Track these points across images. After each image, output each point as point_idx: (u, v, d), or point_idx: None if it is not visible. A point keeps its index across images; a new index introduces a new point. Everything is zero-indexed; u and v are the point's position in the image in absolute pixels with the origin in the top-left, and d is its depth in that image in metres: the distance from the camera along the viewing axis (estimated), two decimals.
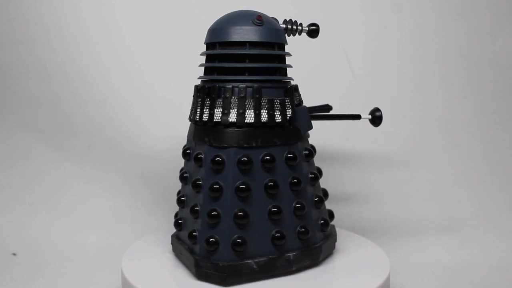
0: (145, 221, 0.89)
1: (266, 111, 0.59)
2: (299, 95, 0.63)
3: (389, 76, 0.94)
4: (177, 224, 0.64)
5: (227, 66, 0.60)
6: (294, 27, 0.65)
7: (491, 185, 0.92)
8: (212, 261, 0.57)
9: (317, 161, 0.68)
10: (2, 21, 0.93)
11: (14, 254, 0.83)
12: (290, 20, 0.66)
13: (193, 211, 0.59)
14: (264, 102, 0.59)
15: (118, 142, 0.93)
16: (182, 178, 0.63)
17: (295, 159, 0.60)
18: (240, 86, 0.58)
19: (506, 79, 0.95)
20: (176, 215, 0.66)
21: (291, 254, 0.59)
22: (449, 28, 0.94)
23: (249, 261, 0.57)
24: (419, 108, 0.94)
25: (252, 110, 0.58)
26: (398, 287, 0.73)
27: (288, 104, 0.60)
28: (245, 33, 0.59)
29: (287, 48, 0.65)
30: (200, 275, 0.58)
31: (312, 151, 0.63)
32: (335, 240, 0.66)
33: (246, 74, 0.59)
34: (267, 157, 0.58)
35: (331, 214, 0.67)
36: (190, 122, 0.64)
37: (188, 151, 0.63)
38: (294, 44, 0.68)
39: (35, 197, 0.92)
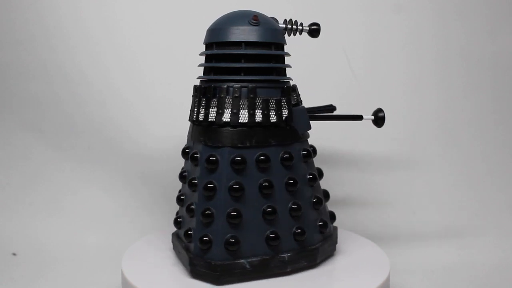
0: (145, 221, 0.89)
1: (261, 111, 0.58)
2: (298, 95, 0.63)
3: (389, 76, 0.94)
4: (176, 223, 0.64)
5: (222, 66, 0.60)
6: (294, 26, 0.65)
7: (491, 185, 0.93)
8: (205, 259, 0.57)
9: (316, 161, 0.68)
10: (2, 21, 0.93)
11: (14, 254, 0.83)
12: (290, 20, 0.66)
13: (189, 210, 0.60)
14: (259, 102, 0.59)
15: (118, 142, 0.93)
16: (182, 177, 0.64)
17: (291, 159, 0.59)
18: (234, 86, 0.58)
19: (506, 79, 0.95)
20: (177, 213, 0.66)
21: (286, 255, 0.59)
22: (449, 28, 0.94)
23: (242, 260, 0.57)
24: (419, 108, 0.94)
25: (246, 110, 0.58)
26: (398, 287, 0.73)
27: (285, 104, 0.60)
28: (241, 33, 0.59)
29: (287, 48, 0.65)
30: (194, 273, 0.58)
31: (310, 151, 0.62)
32: (336, 242, 0.65)
33: (242, 74, 0.59)
34: (262, 157, 0.58)
35: (332, 216, 0.67)
36: (190, 122, 0.64)
37: (187, 150, 0.63)
38: (294, 44, 0.68)
39: (35, 197, 0.92)
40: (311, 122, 0.63)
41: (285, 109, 0.60)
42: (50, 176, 0.93)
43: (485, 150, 0.94)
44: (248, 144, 0.58)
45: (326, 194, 0.67)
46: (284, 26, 0.65)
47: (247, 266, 0.57)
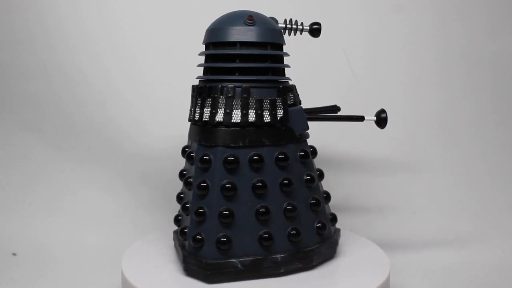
0: (145, 221, 0.89)
1: (254, 111, 0.58)
2: (295, 95, 0.63)
3: (389, 76, 0.94)
4: (176, 220, 0.65)
5: (218, 66, 0.61)
6: (294, 26, 0.65)
7: (491, 185, 0.93)
8: (197, 258, 0.58)
9: (316, 162, 0.68)
10: (2, 21, 0.93)
11: (14, 254, 0.83)
12: (290, 19, 0.66)
13: (185, 208, 0.61)
14: (252, 102, 0.59)
15: (118, 142, 0.93)
16: (181, 176, 0.65)
17: (286, 160, 0.59)
18: (228, 86, 0.59)
19: (506, 79, 0.95)
20: (178, 211, 0.67)
21: (279, 255, 0.58)
22: (449, 28, 0.94)
23: (233, 260, 0.57)
24: (419, 108, 0.94)
25: (239, 110, 0.58)
26: (398, 287, 0.73)
27: (280, 104, 0.60)
28: (236, 34, 0.59)
29: (287, 48, 0.65)
30: (187, 271, 0.59)
31: (308, 152, 0.62)
32: (336, 245, 0.65)
33: (237, 74, 0.60)
34: (255, 157, 0.58)
35: (333, 218, 0.66)
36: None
37: (186, 149, 0.64)
38: (294, 44, 0.68)
39: (35, 197, 0.92)
40: (312, 122, 0.63)
41: (280, 109, 0.60)
42: (50, 176, 0.93)
43: (485, 150, 0.94)
44: (241, 144, 0.58)
45: (327, 196, 0.66)
46: (284, 26, 0.65)
47: (239, 265, 0.57)
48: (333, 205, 0.68)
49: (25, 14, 0.92)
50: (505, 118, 0.95)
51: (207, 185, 0.58)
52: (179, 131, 0.75)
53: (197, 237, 0.58)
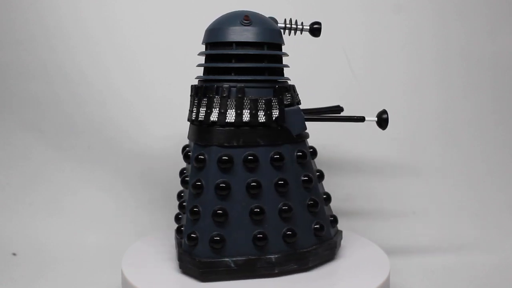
0: (145, 221, 0.89)
1: (249, 111, 0.59)
2: (293, 95, 0.62)
3: (389, 76, 0.94)
4: (176, 219, 0.66)
5: (214, 66, 0.61)
6: (294, 26, 0.65)
7: (491, 185, 0.93)
8: (191, 256, 0.58)
9: (316, 162, 0.68)
10: (2, 21, 0.93)
11: (14, 254, 0.83)
12: (290, 19, 0.66)
13: (181, 207, 0.63)
14: (247, 102, 0.59)
15: (118, 142, 0.93)
16: (181, 175, 0.65)
17: (281, 160, 0.59)
18: (224, 86, 0.59)
19: (506, 79, 0.95)
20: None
21: (273, 256, 0.58)
22: (449, 28, 0.94)
23: (226, 259, 0.58)
24: (419, 108, 0.94)
25: (233, 110, 0.59)
26: (398, 287, 0.73)
27: (275, 104, 0.60)
28: (232, 34, 0.60)
29: (287, 48, 0.65)
30: (182, 269, 0.59)
31: (305, 153, 0.61)
32: (335, 247, 0.64)
33: (232, 74, 0.60)
34: (250, 157, 0.58)
35: (334, 220, 0.66)
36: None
37: (185, 149, 0.65)
38: (294, 44, 0.68)
39: (35, 197, 0.92)
40: (313, 123, 0.63)
41: (275, 109, 0.60)
42: (50, 176, 0.93)
43: (485, 150, 0.94)
44: (235, 144, 0.58)
45: (327, 197, 0.66)
46: (283, 25, 0.65)
47: (232, 265, 0.58)
48: (333, 205, 0.68)
49: (25, 14, 0.92)
50: (505, 118, 0.95)
51: (202, 184, 0.59)
52: (179, 131, 0.75)
53: (192, 235, 0.58)
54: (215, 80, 0.60)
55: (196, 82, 0.64)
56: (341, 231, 0.67)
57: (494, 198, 0.92)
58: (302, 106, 0.66)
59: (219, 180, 0.58)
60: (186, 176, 0.62)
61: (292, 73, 0.66)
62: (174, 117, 0.84)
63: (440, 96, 0.95)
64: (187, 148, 0.65)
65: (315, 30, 0.66)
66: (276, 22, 0.65)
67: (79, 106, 0.93)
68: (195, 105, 0.61)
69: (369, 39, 0.94)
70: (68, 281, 0.76)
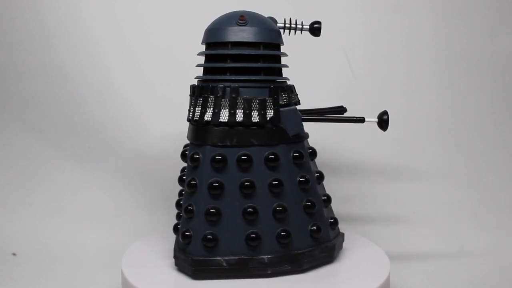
0: (145, 221, 0.89)
1: (242, 110, 0.59)
2: (289, 95, 0.62)
3: (389, 76, 0.94)
4: (177, 217, 0.66)
5: (210, 66, 0.62)
6: (293, 25, 0.65)
7: (491, 185, 0.93)
8: (185, 253, 0.59)
9: (316, 162, 0.67)
10: (2, 21, 0.93)
11: (14, 254, 0.83)
12: (290, 19, 0.66)
13: (178, 205, 0.64)
14: (241, 101, 0.59)
15: (118, 142, 0.93)
16: (182, 173, 0.66)
17: (276, 160, 0.59)
18: (218, 85, 0.59)
19: (506, 79, 0.95)
20: None
21: (265, 256, 0.58)
22: (449, 28, 0.94)
23: (218, 258, 0.58)
24: (419, 108, 0.94)
25: (227, 110, 0.59)
26: (398, 287, 0.73)
27: (270, 104, 0.60)
28: (227, 34, 0.60)
29: (286, 48, 0.65)
30: (177, 266, 0.60)
31: (302, 153, 0.61)
32: (333, 249, 0.63)
33: (228, 74, 0.60)
34: (243, 157, 0.58)
35: (334, 222, 0.65)
36: None
37: (184, 148, 0.66)
38: (294, 44, 0.68)
39: (35, 197, 0.92)
40: (313, 123, 0.63)
41: (270, 109, 0.59)
42: (50, 176, 0.93)
43: (485, 150, 0.94)
44: (228, 143, 0.59)
45: (327, 199, 0.65)
46: (283, 25, 0.65)
47: (224, 264, 0.58)
48: (333, 204, 0.68)
49: (25, 14, 0.92)
50: (505, 118, 0.95)
51: (196, 183, 0.59)
52: (179, 131, 0.75)
53: (186, 233, 0.59)
54: (212, 80, 0.61)
55: (195, 82, 0.64)
56: (342, 234, 0.67)
57: (494, 198, 0.92)
58: (303, 106, 0.66)
59: (212, 179, 0.58)
60: (184, 175, 0.63)
61: (292, 73, 0.66)
62: (174, 117, 0.84)
63: (440, 96, 0.95)
64: (185, 147, 0.65)
65: (315, 29, 0.66)
66: (276, 22, 0.65)
67: (79, 106, 0.93)
68: (192, 104, 0.62)
69: (369, 39, 0.94)
70: (68, 281, 0.76)
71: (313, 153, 0.65)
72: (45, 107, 0.93)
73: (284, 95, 0.61)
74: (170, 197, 0.68)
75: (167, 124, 0.90)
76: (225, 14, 0.63)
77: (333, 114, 0.67)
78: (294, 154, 0.61)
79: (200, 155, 0.60)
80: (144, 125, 0.93)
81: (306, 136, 0.64)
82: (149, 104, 0.93)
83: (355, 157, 0.93)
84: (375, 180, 0.92)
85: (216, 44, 0.61)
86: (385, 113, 0.63)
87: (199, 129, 0.61)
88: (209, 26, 0.63)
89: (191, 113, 0.62)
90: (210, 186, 0.58)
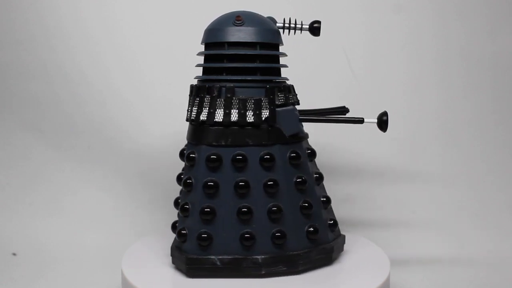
0: (145, 221, 0.89)
1: (237, 110, 0.59)
2: (286, 96, 0.61)
3: (389, 76, 0.94)
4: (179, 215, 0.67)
5: (208, 66, 0.62)
6: (293, 25, 0.65)
7: (491, 185, 0.92)
8: (181, 251, 0.59)
9: (316, 163, 0.67)
10: (2, 21, 0.93)
11: (14, 254, 0.83)
12: (290, 19, 0.66)
13: (176, 203, 0.64)
14: (236, 101, 0.59)
15: (118, 142, 0.93)
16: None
17: (271, 160, 0.59)
18: (215, 85, 0.59)
19: (506, 79, 0.95)
20: None
21: (259, 256, 0.58)
22: (449, 28, 0.94)
23: (212, 257, 0.58)
24: (419, 108, 0.94)
25: (222, 109, 0.59)
26: (398, 287, 0.73)
27: (266, 104, 0.59)
28: (224, 34, 0.60)
29: (286, 48, 0.65)
30: (174, 264, 0.61)
31: (299, 154, 0.61)
32: (331, 251, 0.62)
33: (224, 74, 0.60)
34: (238, 157, 0.58)
35: (333, 223, 0.64)
36: None
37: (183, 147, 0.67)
38: (294, 44, 0.68)
39: (35, 197, 0.92)
40: (311, 124, 0.63)
41: (265, 109, 0.59)
42: (50, 176, 0.93)
43: (485, 150, 0.94)
44: (223, 143, 0.59)
45: (326, 200, 0.64)
46: (282, 25, 0.65)
47: (218, 263, 0.58)
48: (333, 204, 0.68)
49: (25, 14, 0.92)
50: (505, 118, 0.95)
51: (192, 182, 0.60)
52: (179, 131, 0.75)
53: (182, 231, 0.60)
54: (209, 80, 0.61)
55: (195, 82, 0.64)
56: (343, 236, 0.66)
57: (494, 198, 0.91)
58: (303, 106, 0.66)
59: (207, 179, 0.59)
60: (182, 174, 0.64)
61: (292, 73, 0.66)
62: (174, 117, 0.84)
63: (440, 96, 0.95)
64: (184, 147, 0.66)
65: (314, 29, 0.66)
66: (275, 22, 0.65)
67: (79, 106, 0.93)
68: (190, 104, 0.63)
69: (369, 39, 0.94)
70: (68, 281, 0.76)
71: (312, 154, 0.64)
72: (45, 107, 0.93)
73: (281, 95, 0.61)
74: (170, 197, 0.68)
75: (167, 124, 0.90)
76: (224, 14, 0.63)
77: (335, 114, 0.67)
78: (291, 155, 0.60)
79: (196, 155, 0.60)
80: (144, 125, 0.93)
81: (305, 136, 0.64)
82: (149, 104, 0.93)
83: (355, 157, 0.93)
84: (375, 180, 0.92)
85: (213, 44, 0.61)
86: (384, 114, 0.62)
87: (196, 129, 0.61)
88: (208, 26, 0.63)
89: (189, 113, 0.63)
90: (205, 185, 0.58)
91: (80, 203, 0.91)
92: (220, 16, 0.63)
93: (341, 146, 0.93)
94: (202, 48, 0.64)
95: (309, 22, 0.66)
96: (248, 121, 0.59)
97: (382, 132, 0.64)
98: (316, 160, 0.67)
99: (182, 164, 0.67)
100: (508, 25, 0.95)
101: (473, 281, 0.75)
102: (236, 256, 0.58)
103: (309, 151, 0.64)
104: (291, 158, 0.60)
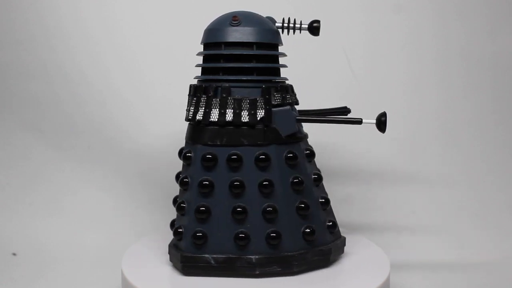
0: (145, 221, 0.89)
1: (232, 110, 0.59)
2: (283, 96, 0.61)
3: (389, 76, 0.94)
4: None
5: (205, 66, 0.63)
6: (291, 25, 0.65)
7: (491, 185, 0.92)
8: (177, 249, 0.60)
9: (317, 163, 0.67)
10: (2, 21, 0.93)
11: (14, 254, 0.83)
12: (289, 18, 0.65)
13: (175, 201, 0.65)
14: (231, 101, 0.59)
15: (118, 142, 0.93)
16: None
17: (266, 160, 0.59)
18: (211, 85, 0.60)
19: (506, 79, 0.95)
20: None
21: (253, 256, 0.58)
22: (449, 28, 0.94)
23: (206, 255, 0.58)
24: (419, 108, 0.94)
25: (217, 109, 0.59)
26: (398, 287, 0.73)
27: (261, 104, 0.60)
28: (221, 34, 0.61)
29: (285, 48, 0.65)
30: (171, 261, 0.61)
31: (296, 154, 0.60)
32: (329, 253, 0.62)
33: (220, 73, 0.61)
34: (233, 156, 0.59)
35: (332, 225, 0.63)
36: None
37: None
38: (294, 44, 0.68)
39: (35, 197, 0.92)
40: (311, 124, 0.63)
41: (261, 109, 0.60)
42: (50, 176, 0.93)
43: (485, 150, 0.94)
44: (218, 143, 0.59)
45: (325, 201, 0.63)
46: (281, 25, 0.65)
47: (212, 261, 0.58)
48: (332, 205, 0.68)
49: (25, 14, 0.92)
50: (505, 118, 0.95)
51: (188, 181, 0.60)
52: (179, 131, 0.75)
53: (179, 230, 0.60)
54: (207, 80, 0.62)
55: (195, 82, 0.64)
56: (344, 238, 0.65)
57: (494, 198, 0.91)
58: (302, 107, 0.66)
59: (202, 178, 0.59)
60: (180, 173, 0.64)
61: (292, 73, 0.66)
62: (174, 117, 0.84)
63: (440, 96, 0.95)
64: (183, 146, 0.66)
65: (314, 28, 0.66)
66: (274, 22, 0.65)
67: (79, 106, 0.93)
68: (188, 104, 0.63)
69: (369, 39, 0.94)
70: (68, 281, 0.76)
71: (311, 154, 0.64)
72: (45, 107, 0.93)
73: (277, 95, 0.61)
74: (170, 197, 0.68)
75: (167, 124, 0.90)
76: (223, 15, 0.63)
77: (336, 115, 0.67)
78: (288, 155, 0.60)
79: (192, 154, 0.61)
80: (144, 125, 0.93)
81: (304, 136, 0.64)
82: (149, 104, 0.93)
83: (355, 157, 0.93)
84: (375, 180, 0.92)
85: (211, 44, 0.62)
86: (383, 114, 0.62)
87: (193, 129, 0.62)
88: (207, 26, 0.63)
89: (187, 112, 0.63)
90: (200, 185, 0.59)
91: (80, 203, 0.91)
92: (220, 16, 0.63)
93: (341, 146, 0.93)
94: (202, 48, 0.64)
95: (310, 21, 0.66)
96: (243, 121, 0.59)
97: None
98: (316, 160, 0.67)
99: (182, 164, 0.67)
100: (508, 25, 0.95)
101: (473, 281, 0.75)
102: (230, 256, 0.58)
103: (307, 152, 0.63)
104: (287, 158, 0.60)
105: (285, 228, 0.59)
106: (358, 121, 0.62)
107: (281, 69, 0.65)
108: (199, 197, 0.59)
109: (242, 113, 0.59)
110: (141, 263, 0.64)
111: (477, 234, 0.87)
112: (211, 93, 0.60)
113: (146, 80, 0.93)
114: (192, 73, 0.66)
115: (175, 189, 0.68)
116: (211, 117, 0.60)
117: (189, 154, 0.61)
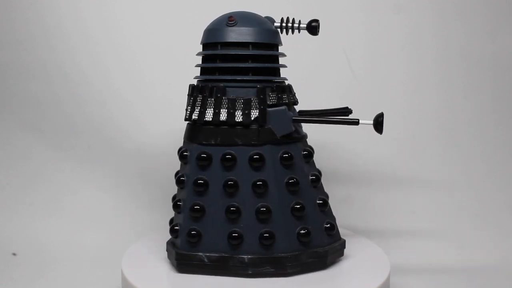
0: (145, 221, 0.89)
1: (226, 110, 0.59)
2: (279, 96, 0.61)
3: (389, 76, 0.94)
4: None
5: (203, 66, 0.63)
6: (290, 24, 0.65)
7: (491, 185, 0.92)
8: (173, 247, 0.61)
9: (316, 164, 0.67)
10: (2, 21, 0.93)
11: (14, 254, 0.83)
12: (287, 18, 0.65)
13: (173, 199, 0.65)
14: (225, 101, 0.59)
15: (118, 142, 0.93)
16: None
17: (260, 160, 0.59)
18: (207, 85, 0.60)
19: (506, 79, 0.95)
20: None
21: (246, 256, 0.58)
22: (449, 28, 0.94)
23: (200, 253, 0.59)
24: (419, 108, 0.94)
25: (212, 109, 0.60)
26: (398, 287, 0.73)
27: (255, 104, 0.59)
28: (217, 35, 0.61)
29: (285, 48, 0.65)
30: (169, 258, 0.62)
31: (291, 155, 0.60)
32: (325, 256, 0.60)
33: (217, 73, 0.61)
34: (227, 156, 0.59)
35: (330, 227, 0.62)
36: None
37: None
38: (294, 44, 0.68)
39: (35, 197, 0.92)
40: (311, 124, 0.62)
41: (255, 109, 0.59)
42: (50, 176, 0.93)
43: (485, 150, 0.94)
44: (213, 142, 0.60)
45: (323, 203, 0.62)
46: (279, 25, 0.65)
47: (205, 260, 0.59)
48: (332, 205, 0.68)
49: (25, 14, 0.92)
50: (505, 118, 0.95)
51: (184, 179, 0.61)
52: (179, 131, 0.75)
53: (175, 227, 0.61)
54: (204, 80, 0.63)
55: (195, 82, 0.64)
56: (343, 240, 0.64)
57: (494, 198, 0.91)
58: (304, 107, 0.66)
59: (197, 177, 0.60)
60: (179, 171, 0.65)
61: (291, 73, 0.66)
62: (174, 117, 0.84)
63: (440, 96, 0.95)
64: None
65: (312, 28, 0.65)
66: (273, 21, 0.65)
67: (79, 106, 0.93)
68: (187, 104, 0.64)
69: (369, 39, 0.94)
70: (68, 281, 0.76)
71: (309, 155, 0.63)
72: (45, 107, 0.93)
73: (273, 95, 0.61)
74: (170, 197, 0.68)
75: (167, 124, 0.90)
76: (222, 15, 0.63)
77: (337, 115, 0.67)
78: (283, 155, 0.60)
79: (188, 153, 0.61)
80: (144, 125, 0.93)
81: (302, 137, 0.63)
82: (149, 104, 0.93)
83: (355, 158, 0.93)
84: (375, 180, 0.92)
85: (208, 44, 0.62)
86: (380, 115, 0.61)
87: (189, 128, 0.63)
88: (206, 27, 0.64)
89: (185, 112, 0.64)
90: (195, 183, 0.59)
91: (80, 203, 0.91)
92: (219, 17, 0.63)
93: (341, 146, 0.93)
94: (201, 48, 0.64)
95: (308, 20, 0.66)
96: (237, 120, 0.59)
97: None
98: (316, 161, 0.66)
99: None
100: (508, 25, 0.95)
101: (473, 281, 0.75)
102: (223, 254, 0.59)
103: (305, 152, 0.63)
104: (282, 158, 0.60)
105: (279, 229, 0.59)
106: (355, 122, 0.61)
107: (281, 69, 0.65)
108: (194, 195, 0.60)
109: (236, 113, 0.59)
110: (141, 263, 0.64)
111: (477, 234, 0.87)
112: (207, 93, 0.60)
113: (146, 80, 0.93)
114: (192, 73, 0.66)
115: (175, 189, 0.68)
116: (206, 116, 0.60)
117: (186, 153, 0.62)
